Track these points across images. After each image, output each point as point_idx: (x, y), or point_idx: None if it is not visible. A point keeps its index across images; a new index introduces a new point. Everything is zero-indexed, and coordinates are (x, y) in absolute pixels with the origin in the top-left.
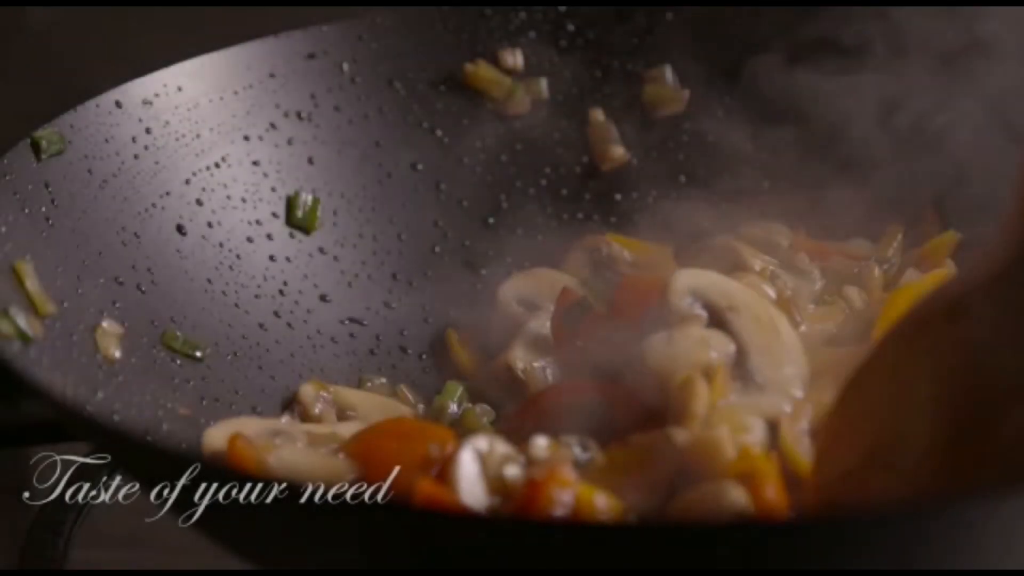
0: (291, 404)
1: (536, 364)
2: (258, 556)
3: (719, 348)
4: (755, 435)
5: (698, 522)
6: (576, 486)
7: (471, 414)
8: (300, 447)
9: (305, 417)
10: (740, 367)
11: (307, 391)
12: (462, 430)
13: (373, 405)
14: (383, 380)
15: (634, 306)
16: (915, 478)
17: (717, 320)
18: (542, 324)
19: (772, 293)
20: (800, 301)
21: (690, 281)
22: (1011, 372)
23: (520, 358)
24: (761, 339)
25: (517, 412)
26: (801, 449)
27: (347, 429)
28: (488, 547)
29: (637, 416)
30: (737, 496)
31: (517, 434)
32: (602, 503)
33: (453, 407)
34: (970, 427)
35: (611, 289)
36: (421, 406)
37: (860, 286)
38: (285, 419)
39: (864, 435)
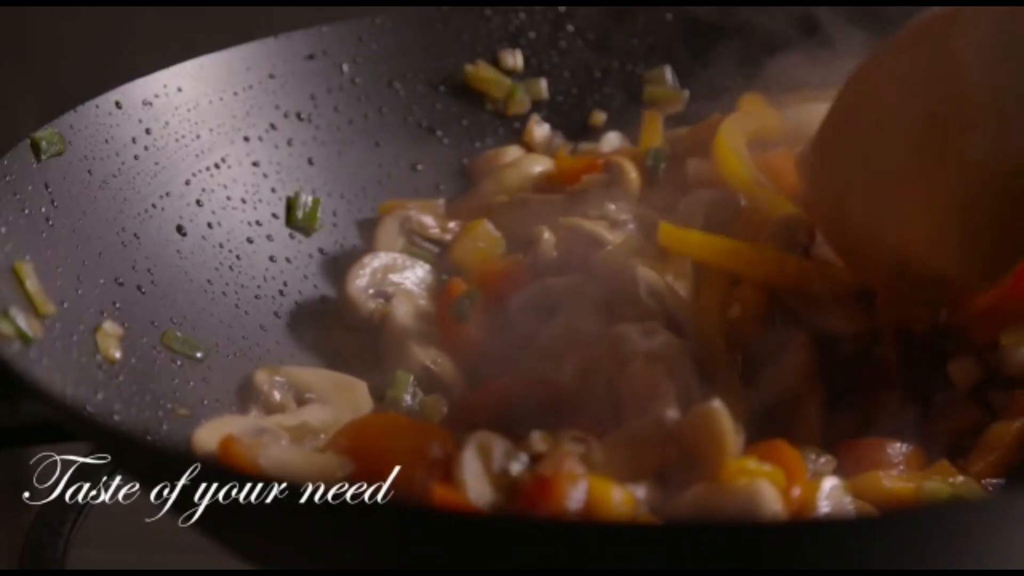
0: (251, 396)
1: (440, 359)
2: (258, 556)
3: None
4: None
5: (740, 522)
6: (587, 480)
7: (429, 405)
8: (286, 444)
9: (268, 407)
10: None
11: (261, 378)
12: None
13: (328, 383)
14: None
15: (504, 290)
16: (891, 207)
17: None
18: (406, 312)
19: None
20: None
21: (651, 280)
22: (979, 97)
23: (426, 357)
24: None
25: (464, 406)
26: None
27: (314, 415)
28: (508, 547)
29: (575, 404)
30: (766, 493)
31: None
32: (618, 496)
33: (407, 398)
34: (936, 145)
35: (434, 254)
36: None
37: (621, 197)
38: (253, 413)
39: (848, 160)
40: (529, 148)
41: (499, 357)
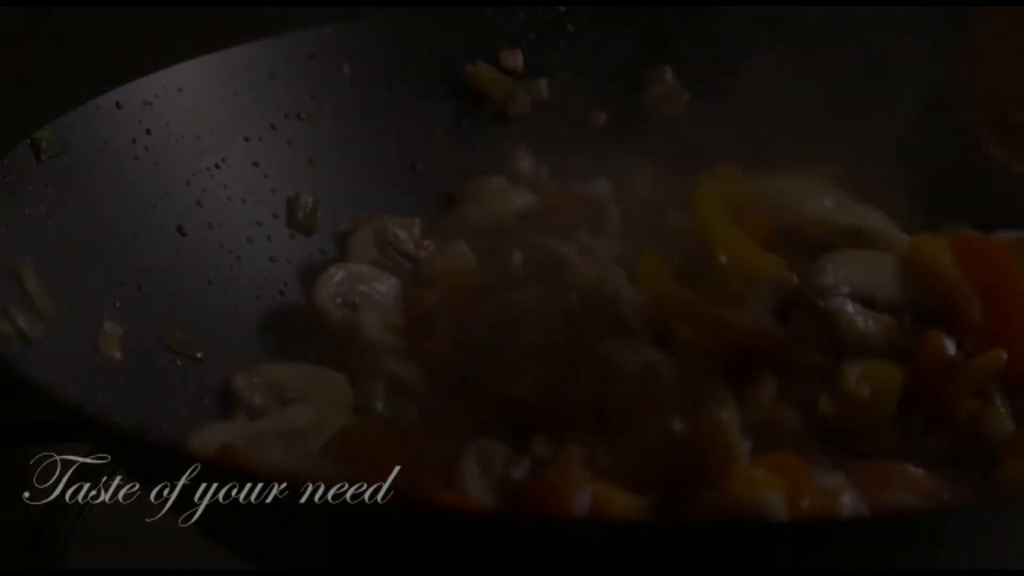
0: (233, 400)
1: (409, 369)
2: (258, 556)
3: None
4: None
5: (742, 522)
6: (592, 485)
7: (403, 412)
8: (282, 451)
9: (252, 411)
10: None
11: (240, 383)
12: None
13: (307, 379)
14: None
15: (472, 304)
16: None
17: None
18: (373, 323)
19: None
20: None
21: (633, 297)
22: None
23: (395, 366)
24: None
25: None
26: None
27: (300, 415)
28: (509, 547)
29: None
30: (770, 499)
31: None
32: (623, 501)
33: (380, 405)
34: None
35: (406, 269)
36: None
37: (597, 231)
38: (240, 420)
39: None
40: (514, 180)
41: (466, 369)
